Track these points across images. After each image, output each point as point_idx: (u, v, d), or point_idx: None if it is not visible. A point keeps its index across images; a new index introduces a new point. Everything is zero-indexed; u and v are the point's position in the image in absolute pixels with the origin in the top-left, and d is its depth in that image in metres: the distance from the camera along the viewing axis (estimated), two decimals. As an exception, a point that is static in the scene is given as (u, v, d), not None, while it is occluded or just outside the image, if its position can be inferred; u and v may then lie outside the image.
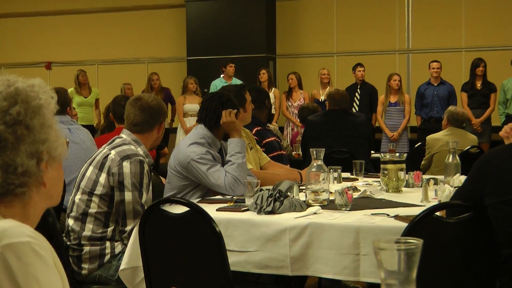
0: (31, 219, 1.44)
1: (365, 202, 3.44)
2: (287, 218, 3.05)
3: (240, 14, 11.67)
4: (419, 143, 6.85)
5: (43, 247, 1.32)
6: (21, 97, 1.40)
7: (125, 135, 3.58)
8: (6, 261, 1.27)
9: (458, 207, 2.72)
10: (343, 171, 4.37)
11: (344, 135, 6.14)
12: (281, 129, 9.70)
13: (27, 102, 1.41)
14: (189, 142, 3.84)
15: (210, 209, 3.08)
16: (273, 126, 7.97)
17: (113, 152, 3.43)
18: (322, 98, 9.64)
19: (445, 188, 3.11)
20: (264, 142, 4.89)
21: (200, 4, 11.94)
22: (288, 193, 3.30)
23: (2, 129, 1.37)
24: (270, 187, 3.38)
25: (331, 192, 3.43)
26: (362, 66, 9.99)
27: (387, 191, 3.84)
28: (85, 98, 10.73)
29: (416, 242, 1.12)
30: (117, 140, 3.54)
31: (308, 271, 3.00)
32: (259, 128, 4.97)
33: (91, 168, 3.44)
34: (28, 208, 1.43)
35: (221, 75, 10.25)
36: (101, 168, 3.41)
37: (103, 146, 3.56)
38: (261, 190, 3.32)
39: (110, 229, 3.40)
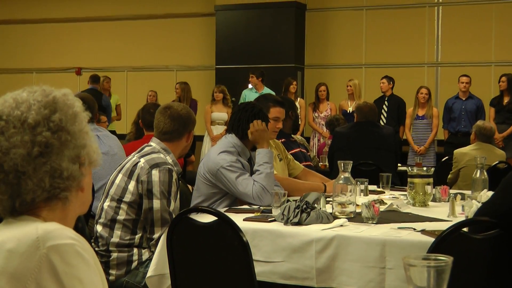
0: (68, 223, 1.49)
1: (392, 216, 3.44)
2: (314, 230, 3.06)
3: (269, 23, 11.69)
4: (446, 157, 6.81)
5: (85, 249, 1.37)
6: (59, 105, 1.47)
7: (154, 143, 3.62)
8: (51, 262, 1.32)
9: (486, 224, 2.70)
10: (369, 183, 4.36)
11: (371, 147, 6.14)
12: (307, 139, 9.67)
13: (65, 109, 1.47)
14: (219, 150, 3.88)
15: (237, 219, 3.09)
16: (299, 137, 7.97)
17: (142, 160, 3.47)
18: (350, 109, 9.63)
19: (472, 203, 3.10)
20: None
21: (230, 13, 11.99)
22: (315, 204, 3.31)
23: (48, 136, 1.43)
24: (297, 198, 3.39)
25: (357, 205, 3.43)
26: (386, 78, 9.91)
27: (413, 205, 3.84)
28: None
29: (446, 259, 1.14)
30: (147, 148, 3.59)
31: (333, 283, 3.00)
32: (283, 139, 4.96)
33: (120, 175, 3.49)
34: (67, 212, 1.49)
35: (249, 85, 10.28)
36: (130, 175, 3.45)
37: (132, 154, 3.61)
38: (288, 201, 3.34)
39: (138, 236, 3.44)
